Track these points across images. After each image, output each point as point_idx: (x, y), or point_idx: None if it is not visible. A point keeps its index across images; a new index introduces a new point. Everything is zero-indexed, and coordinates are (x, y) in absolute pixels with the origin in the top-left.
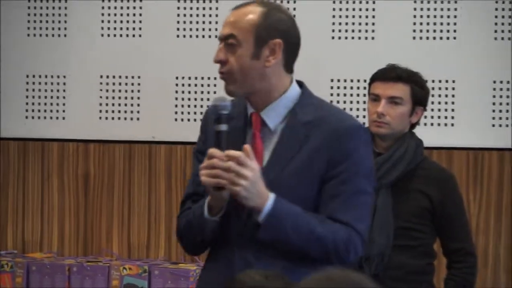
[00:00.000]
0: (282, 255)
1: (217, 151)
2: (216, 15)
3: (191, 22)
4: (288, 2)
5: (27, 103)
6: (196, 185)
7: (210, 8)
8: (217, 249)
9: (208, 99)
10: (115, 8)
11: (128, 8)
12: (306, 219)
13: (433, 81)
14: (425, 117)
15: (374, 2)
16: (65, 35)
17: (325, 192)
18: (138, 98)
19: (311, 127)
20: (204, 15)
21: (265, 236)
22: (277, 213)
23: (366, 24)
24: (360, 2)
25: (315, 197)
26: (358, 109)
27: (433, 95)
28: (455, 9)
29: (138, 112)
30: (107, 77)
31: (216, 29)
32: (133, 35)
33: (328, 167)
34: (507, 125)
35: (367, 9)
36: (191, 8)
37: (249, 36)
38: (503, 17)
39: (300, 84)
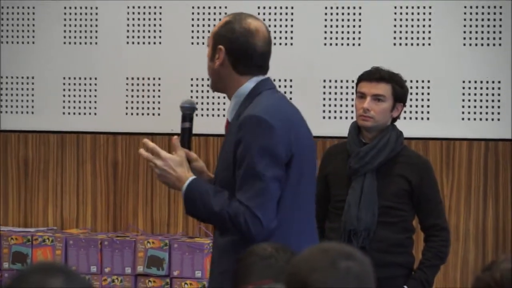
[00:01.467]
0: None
1: (147, 141)
2: None
3: (203, 31)
4: (286, 14)
5: (63, 101)
6: None
7: (220, 20)
8: None
9: (218, 97)
10: (139, 19)
11: (149, 19)
12: (209, 198)
13: (411, 81)
14: (405, 112)
15: (360, 14)
16: (96, 43)
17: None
18: (159, 96)
19: (239, 121)
20: (214, 25)
21: (187, 212)
22: (189, 194)
23: (354, 32)
24: (348, 14)
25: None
26: (347, 106)
27: (411, 93)
28: (430, 20)
29: (159, 108)
30: (132, 78)
31: None
32: (154, 43)
33: (233, 155)
34: (474, 119)
35: (354, 20)
36: (203, 19)
37: (211, 41)
38: (470, 26)
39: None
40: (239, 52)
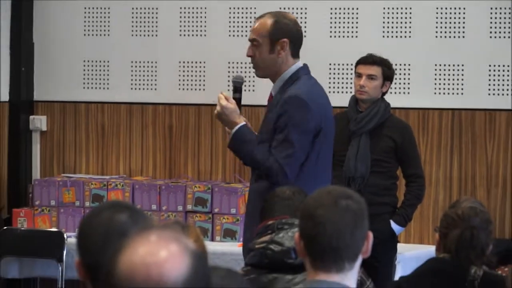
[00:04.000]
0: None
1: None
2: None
3: (238, 27)
4: (301, 13)
5: (131, 79)
6: None
7: (251, 16)
8: None
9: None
10: (189, 17)
11: (197, 17)
12: (252, 146)
13: (396, 64)
14: (392, 88)
15: (357, 13)
16: (156, 35)
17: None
18: (204, 76)
19: (285, 98)
20: (246, 21)
21: (229, 146)
22: (235, 137)
23: (352, 27)
24: (348, 13)
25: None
26: (347, 83)
27: (396, 74)
28: (410, 18)
29: (204, 85)
30: (183, 62)
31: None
32: (200, 35)
33: (275, 123)
34: (444, 93)
35: (352, 18)
36: (237, 17)
37: (266, 39)
38: (441, 22)
39: (304, 66)
40: (297, 40)
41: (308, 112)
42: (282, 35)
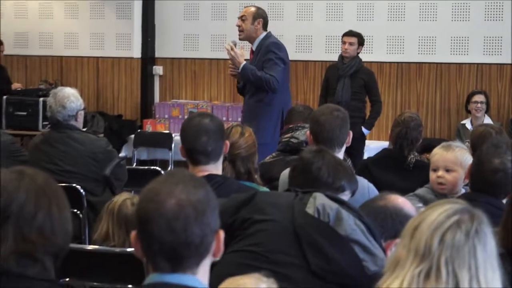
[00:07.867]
0: None
1: (229, 46)
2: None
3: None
4: (308, 8)
5: (211, 45)
6: None
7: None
8: None
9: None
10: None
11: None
12: (255, 71)
13: (365, 36)
14: (363, 50)
15: (342, 7)
16: (226, 19)
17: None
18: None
19: (268, 44)
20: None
21: (243, 78)
22: (245, 68)
23: (339, 14)
24: (336, 7)
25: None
26: (337, 47)
27: (366, 41)
28: (373, 10)
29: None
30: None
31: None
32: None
33: (264, 57)
34: (392, 53)
35: (337, 10)
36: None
37: (250, 17)
38: (391, 12)
39: (268, 32)
40: (266, 21)
41: (284, 49)
42: (258, 16)
